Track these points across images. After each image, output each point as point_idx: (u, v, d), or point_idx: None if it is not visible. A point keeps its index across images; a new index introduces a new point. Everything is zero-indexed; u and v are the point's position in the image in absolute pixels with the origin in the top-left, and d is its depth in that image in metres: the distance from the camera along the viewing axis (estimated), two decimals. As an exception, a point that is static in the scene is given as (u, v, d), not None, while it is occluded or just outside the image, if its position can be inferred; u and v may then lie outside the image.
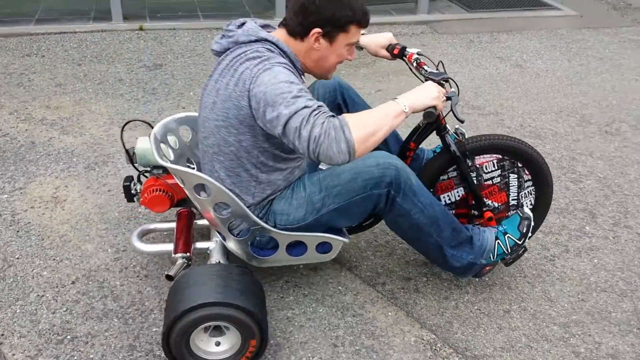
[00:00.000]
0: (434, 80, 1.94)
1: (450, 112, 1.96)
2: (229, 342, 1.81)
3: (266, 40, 1.77)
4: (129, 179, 2.21)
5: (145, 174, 2.19)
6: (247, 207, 1.88)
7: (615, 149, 3.34)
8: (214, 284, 1.72)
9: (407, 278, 2.29)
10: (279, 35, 1.83)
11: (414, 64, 2.14)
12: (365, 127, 1.61)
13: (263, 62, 1.69)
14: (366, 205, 1.89)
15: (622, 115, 3.75)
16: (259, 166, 1.84)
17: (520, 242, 2.05)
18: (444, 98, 1.87)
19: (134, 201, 2.21)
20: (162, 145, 2.05)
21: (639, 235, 2.60)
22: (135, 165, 2.17)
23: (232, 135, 1.78)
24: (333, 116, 1.60)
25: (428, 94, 1.78)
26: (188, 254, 1.96)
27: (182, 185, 1.92)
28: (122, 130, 2.16)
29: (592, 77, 4.30)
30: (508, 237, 2.05)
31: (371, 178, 1.83)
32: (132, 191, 2.18)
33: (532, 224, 2.07)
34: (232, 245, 1.99)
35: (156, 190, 2.09)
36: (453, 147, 2.07)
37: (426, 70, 2.06)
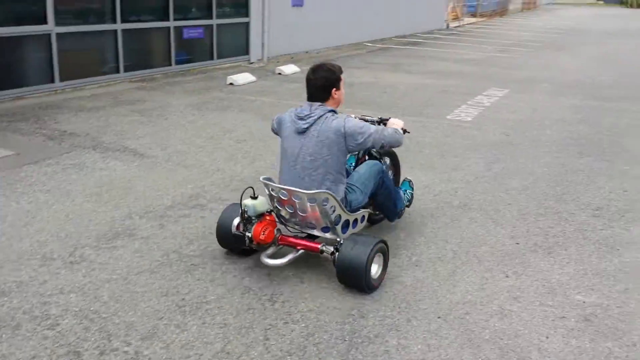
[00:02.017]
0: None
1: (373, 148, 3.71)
2: (378, 264, 3.35)
3: (329, 110, 3.37)
4: (239, 230, 3.41)
5: (251, 221, 3.37)
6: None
7: (83, 276, 3.36)
8: (368, 237, 3.38)
9: None
10: (327, 104, 3.41)
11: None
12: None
13: (340, 117, 3.35)
14: (376, 184, 3.60)
15: (83, 240, 3.80)
16: (343, 173, 3.43)
17: (412, 194, 4.25)
18: None
19: (245, 245, 3.39)
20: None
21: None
22: (246, 216, 3.34)
23: (335, 159, 3.34)
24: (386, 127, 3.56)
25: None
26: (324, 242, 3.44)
27: (308, 205, 3.26)
28: (241, 195, 3.31)
29: (44, 211, 4.20)
30: (407, 192, 4.20)
31: (377, 171, 3.61)
32: (246, 238, 3.35)
33: (413, 183, 4.35)
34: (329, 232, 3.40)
35: (267, 228, 3.37)
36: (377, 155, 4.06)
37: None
